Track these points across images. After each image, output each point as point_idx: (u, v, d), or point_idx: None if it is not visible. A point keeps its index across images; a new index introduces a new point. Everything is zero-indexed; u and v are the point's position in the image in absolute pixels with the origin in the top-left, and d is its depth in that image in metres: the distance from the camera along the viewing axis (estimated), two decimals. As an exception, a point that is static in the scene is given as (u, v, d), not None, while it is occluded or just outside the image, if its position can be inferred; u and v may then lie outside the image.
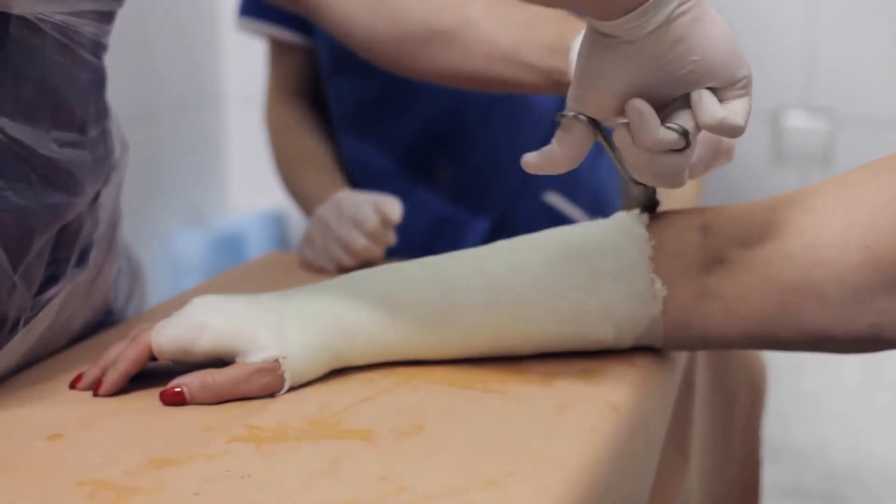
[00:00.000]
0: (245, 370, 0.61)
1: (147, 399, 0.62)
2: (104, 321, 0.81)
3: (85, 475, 0.52)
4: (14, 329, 0.66)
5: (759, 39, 1.67)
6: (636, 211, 0.69)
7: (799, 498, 1.65)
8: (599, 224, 0.69)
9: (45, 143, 0.65)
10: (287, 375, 0.62)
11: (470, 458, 0.53)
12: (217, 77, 2.08)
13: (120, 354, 0.63)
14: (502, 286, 0.66)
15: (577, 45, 0.86)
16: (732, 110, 0.59)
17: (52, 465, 0.53)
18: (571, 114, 0.61)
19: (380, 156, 1.23)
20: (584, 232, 0.68)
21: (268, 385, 0.62)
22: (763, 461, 1.04)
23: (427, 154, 1.21)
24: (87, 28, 0.68)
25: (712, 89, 0.59)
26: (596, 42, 0.59)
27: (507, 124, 1.21)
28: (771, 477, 1.51)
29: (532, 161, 0.63)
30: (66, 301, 0.71)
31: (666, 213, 0.68)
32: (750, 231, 0.65)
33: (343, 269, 0.95)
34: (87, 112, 0.70)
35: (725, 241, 0.65)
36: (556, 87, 0.87)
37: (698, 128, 0.60)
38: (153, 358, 0.63)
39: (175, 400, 0.61)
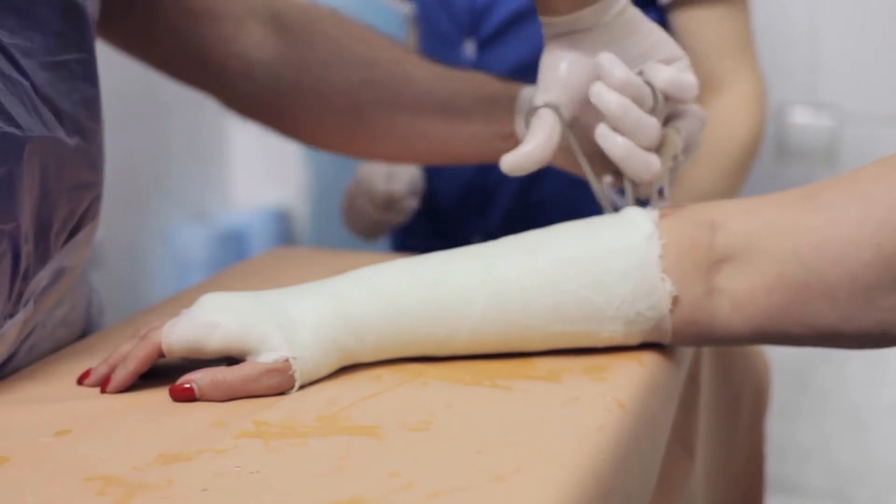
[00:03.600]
0: (256, 370, 0.61)
1: (155, 395, 0.62)
2: (88, 328, 0.80)
3: (93, 471, 0.52)
4: (20, 300, 0.65)
5: (764, 36, 1.66)
6: (647, 207, 0.69)
7: (804, 495, 1.65)
8: (609, 220, 0.68)
9: (76, 107, 0.66)
10: (297, 376, 0.62)
11: (477, 453, 0.53)
12: (221, 73, 2.07)
13: (129, 353, 0.63)
14: (511, 284, 0.66)
15: (523, 96, 0.82)
16: (683, 73, 0.70)
17: (61, 460, 0.53)
18: (540, 104, 0.70)
19: None
20: (593, 229, 0.67)
21: (278, 385, 0.62)
22: (767, 458, 1.04)
23: None
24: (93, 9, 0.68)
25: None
26: (551, 38, 0.70)
27: None
28: (776, 474, 1.51)
29: (508, 161, 0.70)
30: (57, 290, 0.70)
31: (675, 210, 0.68)
32: (759, 227, 0.64)
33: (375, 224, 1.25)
34: (99, 90, 0.70)
35: (735, 238, 0.65)
36: (497, 141, 0.82)
37: (662, 98, 0.70)
38: (161, 355, 0.63)
39: (185, 396, 0.61)
